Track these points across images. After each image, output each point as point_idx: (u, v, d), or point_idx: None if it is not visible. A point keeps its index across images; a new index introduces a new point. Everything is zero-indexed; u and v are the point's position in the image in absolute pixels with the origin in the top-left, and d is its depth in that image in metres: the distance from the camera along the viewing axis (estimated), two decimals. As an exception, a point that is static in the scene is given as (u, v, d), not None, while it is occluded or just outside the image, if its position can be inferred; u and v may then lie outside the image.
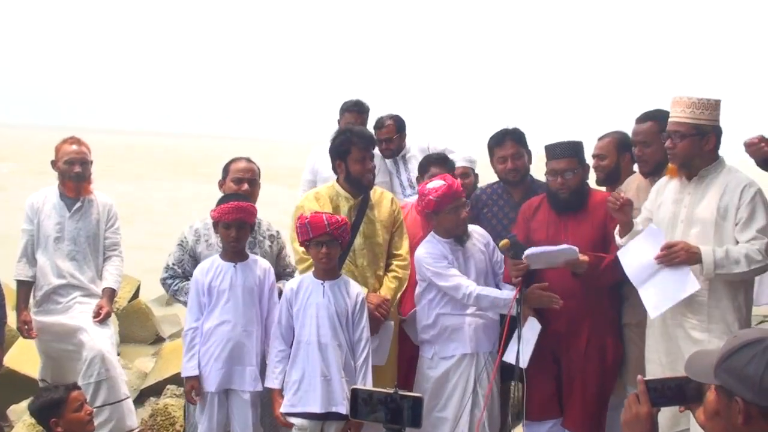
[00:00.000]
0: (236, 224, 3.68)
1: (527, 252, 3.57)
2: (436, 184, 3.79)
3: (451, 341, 3.85)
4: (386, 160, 5.36)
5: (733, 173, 3.35)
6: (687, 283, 3.22)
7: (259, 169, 4.21)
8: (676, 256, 3.23)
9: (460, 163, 4.50)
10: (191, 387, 3.71)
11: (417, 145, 5.40)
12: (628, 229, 3.54)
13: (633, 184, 3.97)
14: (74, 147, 4.41)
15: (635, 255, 3.40)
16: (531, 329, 3.68)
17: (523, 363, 3.58)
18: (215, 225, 3.79)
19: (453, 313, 3.86)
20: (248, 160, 4.18)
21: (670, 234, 3.42)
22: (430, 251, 3.88)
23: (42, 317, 4.37)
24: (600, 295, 3.74)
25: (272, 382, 3.61)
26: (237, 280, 3.72)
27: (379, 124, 5.33)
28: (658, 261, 3.27)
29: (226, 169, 4.12)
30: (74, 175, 4.36)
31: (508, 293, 3.74)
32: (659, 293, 3.31)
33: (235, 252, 3.77)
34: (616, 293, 3.82)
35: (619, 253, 3.50)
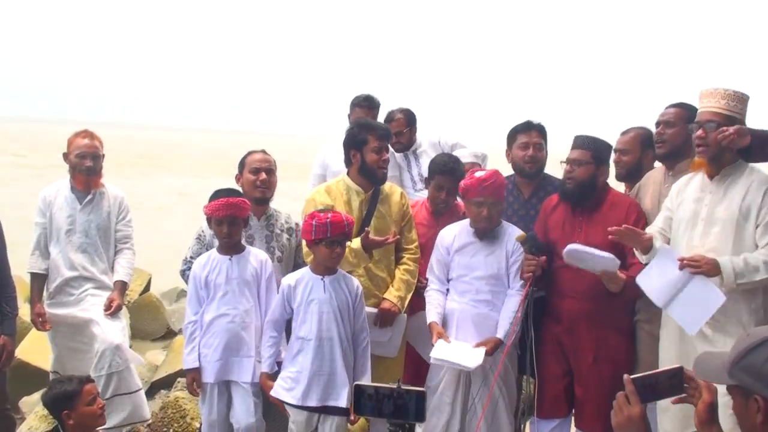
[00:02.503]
0: (228, 220, 3.73)
1: (569, 246, 3.55)
2: (479, 173, 3.81)
3: (445, 327, 3.87)
4: (396, 155, 5.34)
5: (756, 173, 3.30)
6: (713, 295, 3.14)
7: (275, 161, 4.25)
8: (699, 265, 3.16)
9: (466, 159, 4.42)
10: (192, 379, 3.79)
11: (428, 139, 5.36)
12: (646, 248, 3.47)
13: (650, 179, 3.95)
14: (86, 141, 4.42)
15: (654, 277, 3.34)
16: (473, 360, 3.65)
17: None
18: (208, 221, 3.84)
19: (449, 300, 3.92)
20: (264, 152, 4.23)
21: (690, 233, 3.38)
22: (444, 235, 3.97)
23: (55, 309, 4.41)
24: (612, 295, 3.68)
25: (265, 366, 3.66)
26: (233, 273, 3.77)
27: (390, 117, 5.29)
28: (681, 267, 3.20)
29: (242, 163, 4.16)
30: (85, 168, 4.39)
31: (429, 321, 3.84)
32: (690, 310, 3.23)
33: (229, 246, 3.81)
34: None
35: (638, 279, 3.43)
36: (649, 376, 1.96)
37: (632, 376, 1.95)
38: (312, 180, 5.35)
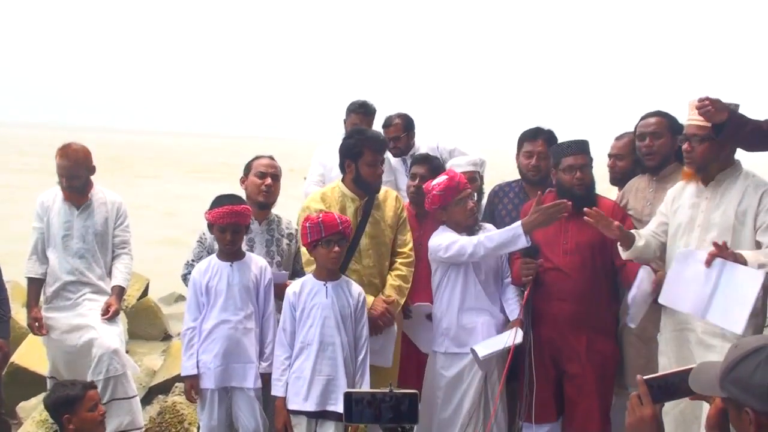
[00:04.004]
0: (231, 228, 3.74)
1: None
2: (438, 179, 3.86)
3: (466, 340, 3.85)
4: (392, 159, 5.35)
5: (751, 177, 3.30)
6: (748, 279, 2.96)
7: (280, 168, 4.27)
8: (728, 254, 3.03)
9: (464, 168, 4.41)
10: (190, 386, 3.78)
11: (426, 145, 5.37)
12: (627, 242, 3.47)
13: (633, 185, 3.98)
14: (62, 161, 4.34)
15: (681, 287, 3.19)
16: (515, 337, 3.66)
17: (484, 359, 3.65)
18: (210, 227, 3.84)
19: (469, 310, 3.87)
20: (271, 157, 4.25)
21: (686, 238, 3.38)
22: (438, 233, 3.93)
23: (52, 313, 4.39)
24: (599, 298, 3.73)
25: (278, 390, 3.63)
26: (234, 279, 3.78)
27: (387, 122, 5.32)
28: (710, 261, 3.05)
29: (248, 167, 4.18)
30: (65, 187, 4.38)
31: (511, 228, 3.71)
32: (731, 306, 3.01)
33: (231, 252, 3.83)
34: (614, 296, 3.83)
35: (661, 299, 3.32)
36: (663, 377, 1.95)
37: (645, 377, 1.94)
38: (312, 179, 5.27)
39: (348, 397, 1.92)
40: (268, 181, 4.10)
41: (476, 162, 4.64)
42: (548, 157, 4.11)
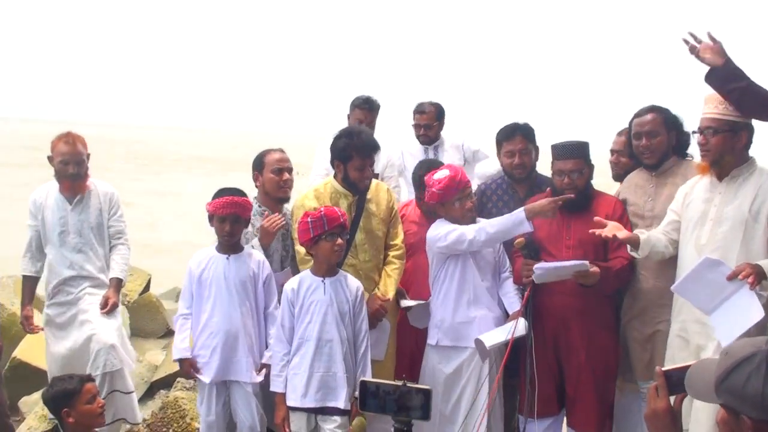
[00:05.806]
0: (231, 218, 3.74)
1: (537, 267, 3.58)
2: (440, 174, 3.82)
3: (462, 334, 3.85)
4: (418, 146, 5.38)
5: (766, 174, 3.32)
6: (752, 310, 3.07)
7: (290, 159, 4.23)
8: (750, 272, 3.03)
9: (476, 181, 4.43)
10: (189, 365, 3.79)
11: (451, 140, 5.44)
12: (634, 243, 3.48)
13: (632, 181, 3.97)
14: (68, 147, 4.34)
15: (698, 286, 3.22)
16: (518, 328, 3.66)
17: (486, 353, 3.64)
18: (210, 218, 3.83)
19: (467, 304, 3.86)
20: (281, 150, 4.20)
21: (698, 232, 3.38)
22: (437, 225, 3.91)
23: (54, 309, 4.41)
24: (598, 292, 3.72)
25: (278, 386, 3.63)
26: (230, 272, 3.78)
27: (420, 108, 5.40)
28: (732, 277, 3.08)
29: (260, 162, 4.12)
30: (69, 175, 4.35)
31: (513, 213, 3.69)
32: (728, 321, 3.13)
33: (229, 245, 3.81)
34: (615, 291, 3.82)
35: (675, 288, 3.33)
36: (681, 369, 1.92)
37: (664, 369, 1.93)
38: (319, 172, 5.25)
39: (363, 386, 1.91)
40: (286, 176, 4.09)
41: (487, 174, 4.71)
42: (530, 152, 4.14)
